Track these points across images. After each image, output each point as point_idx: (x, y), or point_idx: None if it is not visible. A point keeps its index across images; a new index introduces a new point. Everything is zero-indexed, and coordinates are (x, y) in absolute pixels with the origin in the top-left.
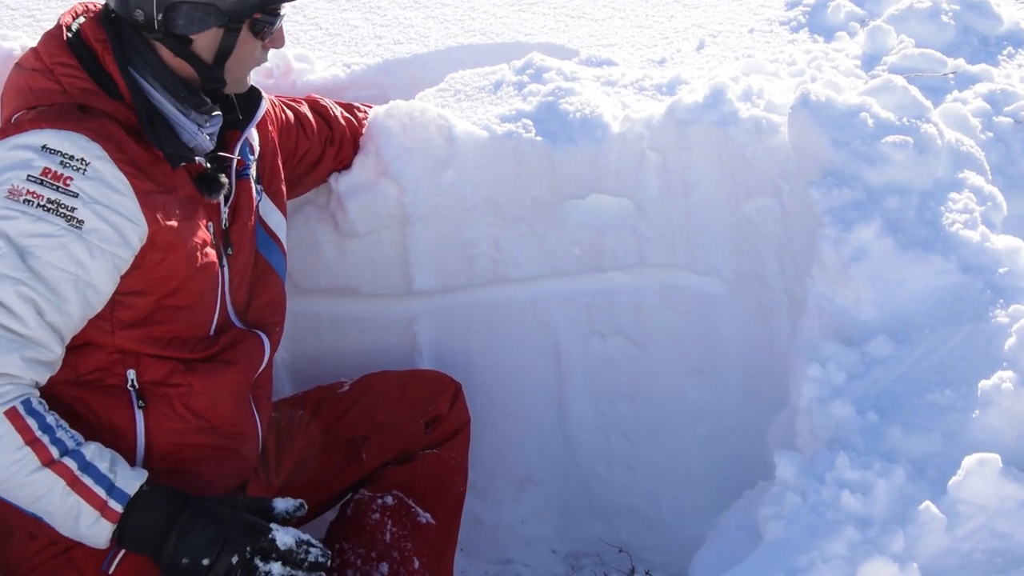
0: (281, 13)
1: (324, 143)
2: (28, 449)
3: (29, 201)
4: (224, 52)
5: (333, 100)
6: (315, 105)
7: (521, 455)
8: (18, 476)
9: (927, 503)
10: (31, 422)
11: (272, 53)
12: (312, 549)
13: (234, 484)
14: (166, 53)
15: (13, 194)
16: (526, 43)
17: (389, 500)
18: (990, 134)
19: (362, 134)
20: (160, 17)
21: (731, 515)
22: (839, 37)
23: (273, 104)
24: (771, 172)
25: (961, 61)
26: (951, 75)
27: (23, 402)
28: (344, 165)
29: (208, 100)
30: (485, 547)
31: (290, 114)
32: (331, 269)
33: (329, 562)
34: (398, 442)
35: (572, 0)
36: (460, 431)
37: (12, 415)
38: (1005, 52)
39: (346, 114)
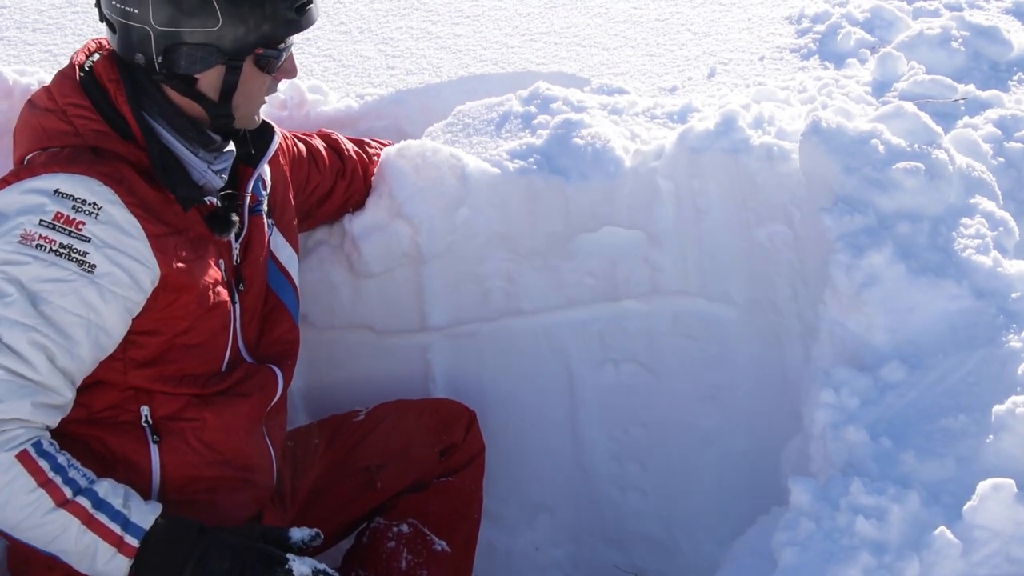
0: (285, 46)
1: (335, 176)
2: (42, 491)
3: (41, 246)
4: (229, 89)
5: (345, 135)
6: (327, 139)
7: (535, 482)
8: (33, 518)
9: (942, 528)
10: (43, 464)
11: (285, 84)
12: None
13: (249, 514)
14: (173, 93)
15: (25, 239)
16: (538, 72)
17: (404, 528)
18: (1001, 159)
19: (374, 170)
20: (160, 60)
21: (745, 541)
22: (849, 64)
23: (285, 137)
24: (783, 199)
25: (972, 87)
26: (962, 101)
27: (34, 444)
28: (355, 199)
29: (217, 138)
30: (499, 574)
31: (302, 147)
32: (346, 308)
33: None
34: (413, 470)
35: (583, 30)
36: (475, 459)
37: (24, 458)
38: (1015, 78)
39: (357, 148)
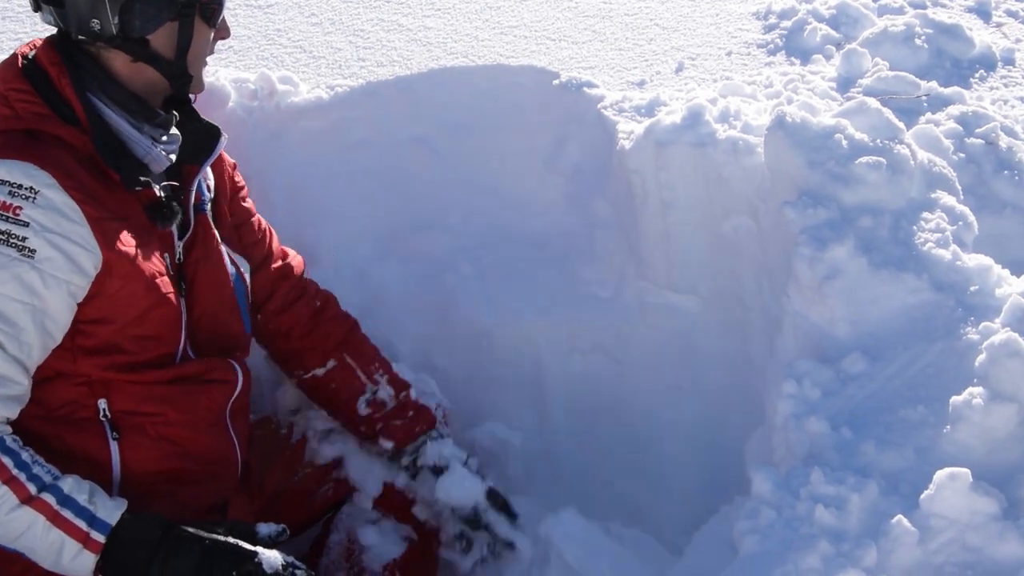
0: None
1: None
2: (5, 488)
3: None
4: (184, 44)
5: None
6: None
7: (503, 470)
8: None
9: (899, 517)
10: (6, 460)
11: (257, 76)
12: (297, 572)
13: (212, 504)
14: (120, 63)
15: None
16: (507, 65)
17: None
18: (962, 155)
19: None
20: (116, 21)
21: (708, 529)
22: (815, 60)
23: (229, 162)
24: (747, 192)
25: (934, 84)
26: (924, 97)
27: None
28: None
29: (161, 112)
30: None
31: (241, 181)
32: None
33: None
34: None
35: (553, 24)
36: None
37: None
38: (977, 75)
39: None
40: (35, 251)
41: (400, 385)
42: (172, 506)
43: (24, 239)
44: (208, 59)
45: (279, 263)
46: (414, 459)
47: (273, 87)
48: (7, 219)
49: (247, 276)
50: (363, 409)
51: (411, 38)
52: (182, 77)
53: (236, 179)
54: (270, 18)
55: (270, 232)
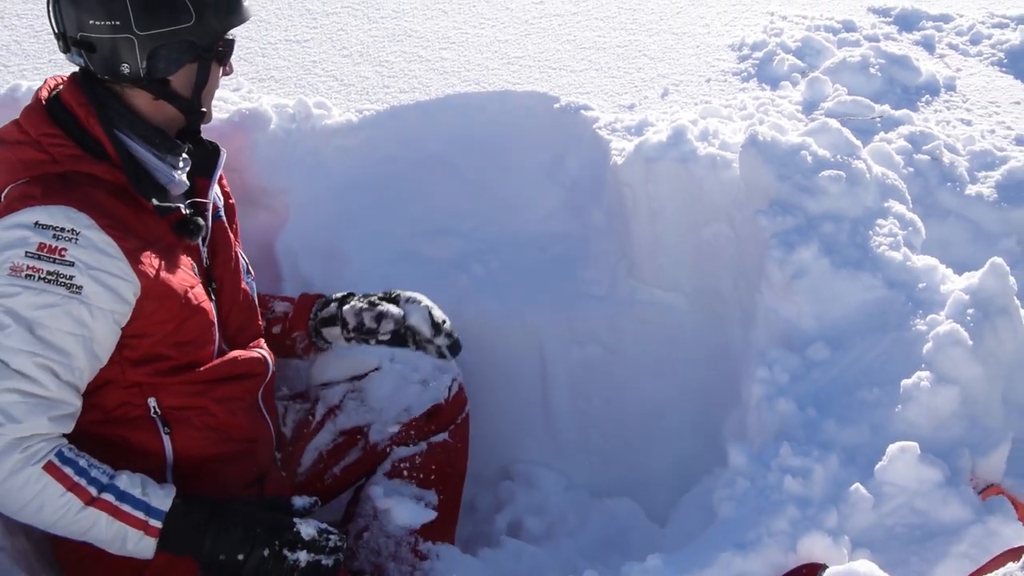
0: (233, 37)
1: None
2: (71, 494)
3: (31, 276)
4: (200, 83)
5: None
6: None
7: (509, 447)
8: (67, 518)
9: (857, 485)
10: (67, 470)
11: (295, 102)
12: (331, 536)
13: (251, 479)
14: (142, 101)
15: (15, 271)
16: (514, 91)
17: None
18: (911, 169)
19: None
20: (144, 64)
21: (691, 497)
22: (783, 86)
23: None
24: (725, 202)
25: (886, 107)
26: (878, 119)
27: (56, 454)
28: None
29: (179, 143)
30: (479, 527)
31: (232, 199)
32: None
33: (345, 544)
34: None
35: (554, 55)
36: (460, 416)
37: (50, 468)
38: (923, 99)
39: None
40: (81, 287)
41: (290, 299)
42: (215, 484)
43: (71, 277)
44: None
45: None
46: (359, 320)
47: (309, 111)
48: (54, 261)
49: (252, 273)
50: (275, 329)
51: (429, 68)
52: (196, 112)
53: (228, 190)
54: (306, 51)
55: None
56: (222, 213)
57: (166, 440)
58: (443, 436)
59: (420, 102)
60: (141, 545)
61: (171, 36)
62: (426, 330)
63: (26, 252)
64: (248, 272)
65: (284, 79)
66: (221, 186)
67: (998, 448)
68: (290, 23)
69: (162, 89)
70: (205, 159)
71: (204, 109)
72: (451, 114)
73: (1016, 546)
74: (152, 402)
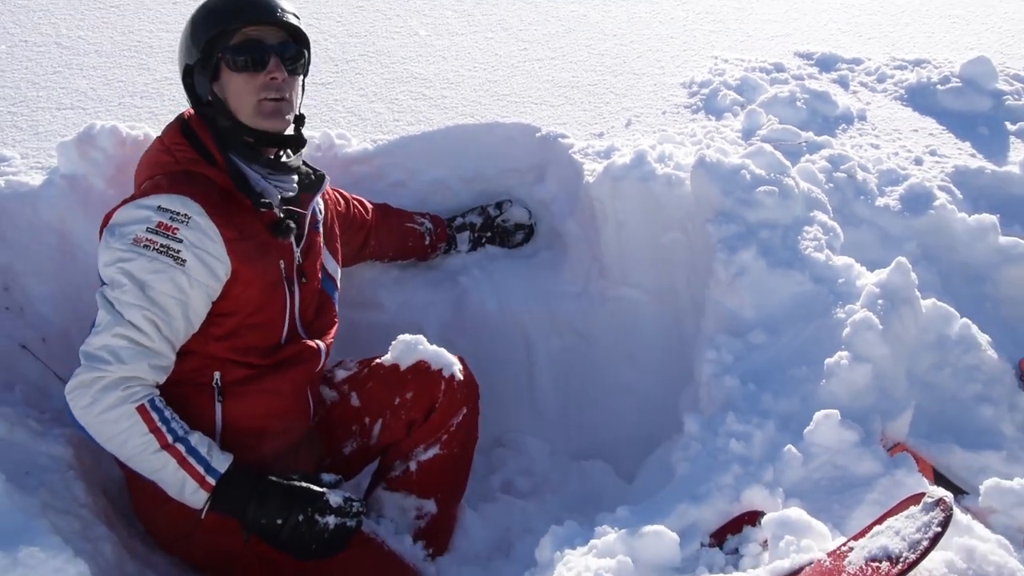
0: (240, 42)
1: (360, 227)
2: (151, 436)
3: (147, 246)
4: (222, 95)
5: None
6: (352, 198)
7: (499, 422)
8: (144, 454)
9: (789, 446)
10: (154, 416)
11: (320, 134)
12: (354, 503)
13: (284, 452)
14: (220, 120)
15: (136, 242)
16: (503, 123)
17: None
18: (831, 185)
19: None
20: (197, 92)
21: (653, 459)
22: (726, 117)
23: (335, 190)
24: (679, 214)
25: (811, 134)
26: (803, 143)
27: (149, 401)
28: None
29: (261, 154)
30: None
31: (342, 200)
32: (365, 294)
33: (366, 510)
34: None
35: (536, 92)
36: (465, 402)
37: (142, 410)
38: (840, 127)
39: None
40: (185, 260)
41: (429, 217)
42: (254, 455)
43: (179, 252)
44: (298, 109)
45: (362, 220)
46: (484, 216)
47: (332, 142)
48: (168, 237)
49: (337, 278)
50: (428, 242)
51: (432, 104)
52: (231, 120)
53: (337, 196)
54: (330, 92)
55: (355, 204)
56: (319, 226)
57: (218, 408)
58: (439, 450)
59: (425, 133)
60: (196, 496)
61: (195, 65)
62: (524, 216)
63: (147, 228)
64: (328, 278)
65: (311, 116)
66: (327, 208)
67: (903, 414)
68: (315, 69)
69: (208, 111)
70: (312, 181)
71: (242, 121)
72: (450, 143)
73: (917, 493)
74: (216, 375)
